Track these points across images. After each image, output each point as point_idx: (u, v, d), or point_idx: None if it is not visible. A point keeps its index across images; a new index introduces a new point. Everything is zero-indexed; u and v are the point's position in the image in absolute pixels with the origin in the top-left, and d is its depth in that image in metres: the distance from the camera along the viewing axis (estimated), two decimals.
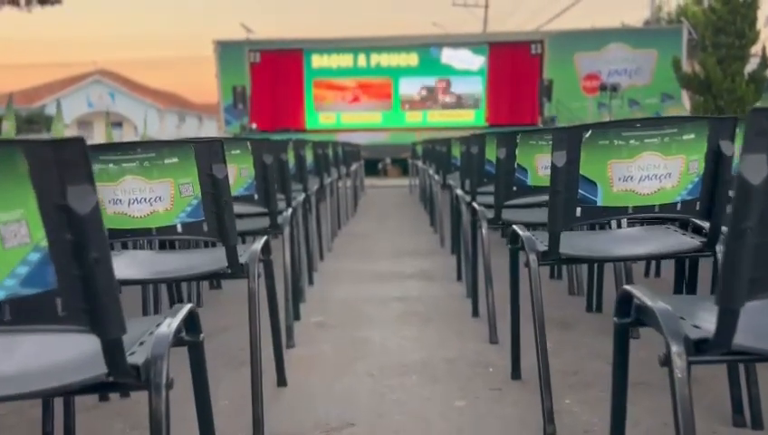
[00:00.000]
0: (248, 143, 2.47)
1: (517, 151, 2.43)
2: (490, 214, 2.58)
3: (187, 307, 1.25)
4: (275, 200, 2.54)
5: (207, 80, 19.46)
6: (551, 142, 2.40)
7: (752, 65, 17.09)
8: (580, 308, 2.94)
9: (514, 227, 1.95)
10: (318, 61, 19.39)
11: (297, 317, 2.93)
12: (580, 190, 1.70)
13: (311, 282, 3.66)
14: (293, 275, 2.90)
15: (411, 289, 3.50)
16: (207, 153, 1.73)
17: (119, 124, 38.79)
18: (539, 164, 2.43)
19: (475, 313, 2.91)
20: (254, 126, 19.00)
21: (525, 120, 18.85)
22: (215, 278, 3.05)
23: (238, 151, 2.45)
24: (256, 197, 2.51)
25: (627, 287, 1.23)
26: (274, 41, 19.73)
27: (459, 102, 19.48)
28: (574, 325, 2.72)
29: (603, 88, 15.04)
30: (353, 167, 7.93)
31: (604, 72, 18.23)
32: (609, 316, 2.30)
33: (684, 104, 14.43)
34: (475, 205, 2.70)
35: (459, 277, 3.64)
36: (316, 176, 4.77)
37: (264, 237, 2.00)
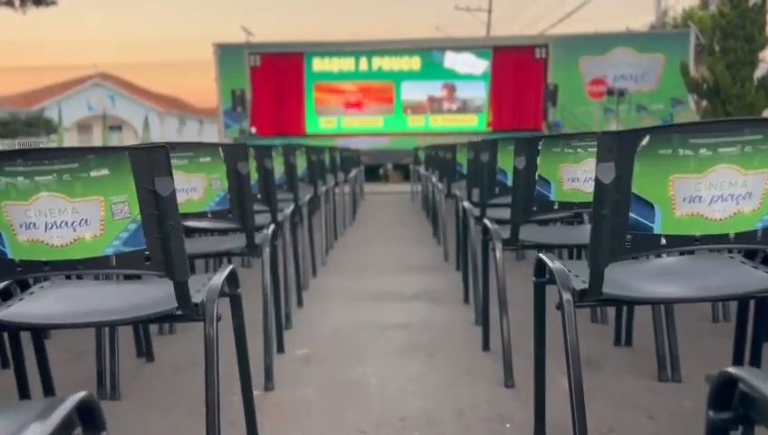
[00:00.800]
0: (220, 149, 2.09)
1: (539, 160, 2.05)
2: (505, 233, 2.19)
3: (229, 268, 1.64)
4: (252, 216, 2.16)
5: (209, 83, 19.14)
6: (579, 150, 2.06)
7: (761, 70, 16.75)
8: (606, 341, 2.55)
9: (541, 256, 1.60)
10: (319, 64, 19.06)
11: (281, 349, 2.54)
12: (631, 214, 1.33)
13: (300, 303, 3.27)
14: (276, 301, 2.52)
15: (413, 313, 3.11)
16: (147, 163, 1.35)
17: (118, 128, 38.55)
18: (564, 176, 2.04)
19: (486, 345, 2.52)
20: (253, 130, 18.69)
21: (528, 126, 18.51)
22: (162, 322, 2.59)
23: (209, 159, 2.08)
24: (231, 213, 2.14)
25: (731, 370, 0.87)
26: (275, 44, 19.41)
27: (462, 107, 19.14)
28: (602, 364, 2.32)
29: (610, 93, 14.66)
30: (352, 173, 7.56)
31: (609, 77, 17.89)
32: (641, 353, 2.28)
33: (692, 110, 14.02)
34: (486, 222, 2.32)
35: (466, 299, 3.25)
36: (310, 184, 4.40)
37: (230, 267, 1.66)
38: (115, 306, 1.54)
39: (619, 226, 1.33)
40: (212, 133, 37.25)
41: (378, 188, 12.86)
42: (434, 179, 5.54)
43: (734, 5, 16.71)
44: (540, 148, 2.04)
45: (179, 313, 1.42)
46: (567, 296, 1.40)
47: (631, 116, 15.42)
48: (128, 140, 37.07)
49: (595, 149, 1.35)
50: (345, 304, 3.33)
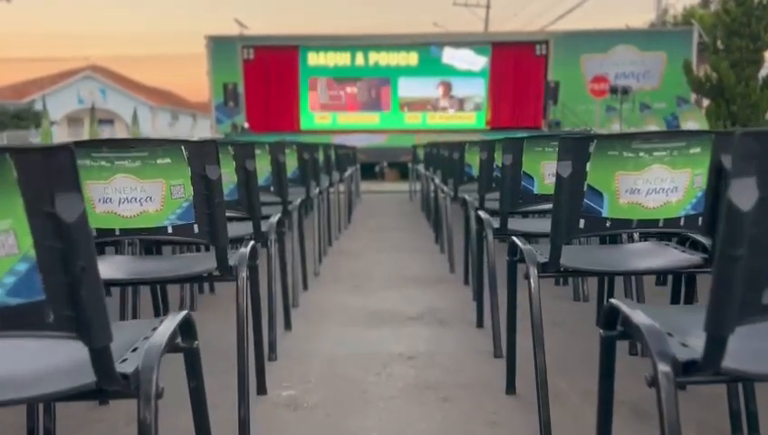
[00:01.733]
0: (183, 148, 1.64)
1: (589, 166, 1.60)
2: (542, 256, 1.75)
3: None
4: (224, 233, 1.70)
5: (203, 77, 18.64)
6: (642, 154, 1.63)
7: (766, 69, 16.39)
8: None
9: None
10: (314, 58, 18.59)
11: (262, 390, 2.10)
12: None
13: (287, 326, 2.82)
14: (256, 330, 2.07)
15: (419, 340, 2.66)
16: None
17: (110, 121, 37.95)
18: (621, 187, 1.60)
19: (511, 386, 2.08)
20: (246, 126, 18.21)
21: (528, 124, 18.13)
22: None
23: (168, 160, 1.62)
24: (197, 228, 1.69)
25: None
26: (269, 37, 18.92)
27: (460, 104, 18.71)
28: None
29: (614, 91, 14.24)
30: (348, 172, 7.10)
31: (611, 75, 17.51)
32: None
33: (699, 109, 13.63)
34: (517, 241, 1.87)
35: (480, 323, 2.81)
36: (302, 185, 3.95)
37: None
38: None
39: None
40: (205, 128, 36.72)
41: (374, 187, 12.41)
42: (437, 180, 5.09)
43: (740, 3, 16.33)
44: (591, 151, 1.59)
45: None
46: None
47: (635, 115, 15.02)
48: (119, 134, 36.44)
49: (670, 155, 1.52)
50: (340, 327, 2.88)
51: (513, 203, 2.38)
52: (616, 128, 15.64)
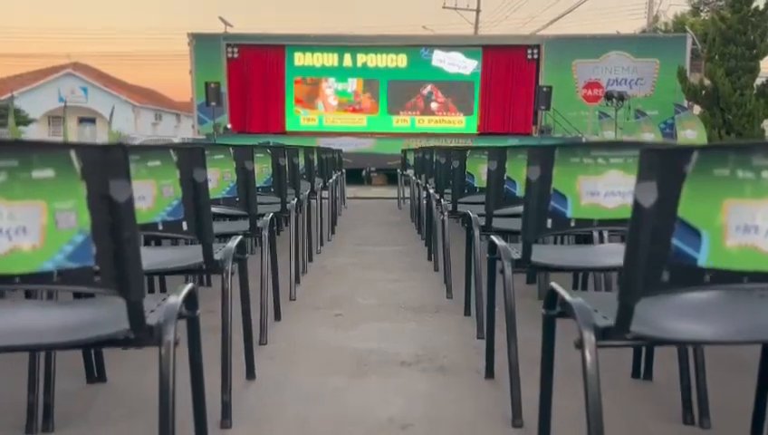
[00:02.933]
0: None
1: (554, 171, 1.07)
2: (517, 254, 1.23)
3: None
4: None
5: (187, 77, 17.94)
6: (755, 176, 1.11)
7: (762, 78, 16.09)
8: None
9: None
10: (300, 59, 18.04)
11: None
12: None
13: (250, 374, 2.27)
14: (196, 400, 1.52)
15: (415, 398, 2.11)
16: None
17: (91, 120, 37.12)
18: (730, 223, 1.08)
19: None
20: (228, 126, 17.60)
21: (518, 129, 17.72)
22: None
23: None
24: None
25: (553, 284, 1.41)
26: (254, 35, 18.33)
27: (449, 108, 18.24)
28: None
29: (609, 97, 13.82)
30: (333, 177, 6.55)
31: (603, 82, 17.17)
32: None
33: (697, 117, 13.23)
34: (558, 289, 1.34)
35: (490, 373, 2.28)
36: (276, 195, 3.40)
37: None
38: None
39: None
40: (189, 129, 36.03)
41: (360, 193, 11.85)
42: (431, 190, 4.56)
43: (736, 10, 16.04)
44: (687, 171, 1.06)
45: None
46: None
47: (630, 122, 14.62)
48: (101, 133, 35.62)
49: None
50: (315, 376, 2.32)
51: (539, 228, 1.86)
52: (609, 135, 15.24)
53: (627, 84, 17.42)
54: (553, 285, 1.45)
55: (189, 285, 1.42)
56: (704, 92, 16.15)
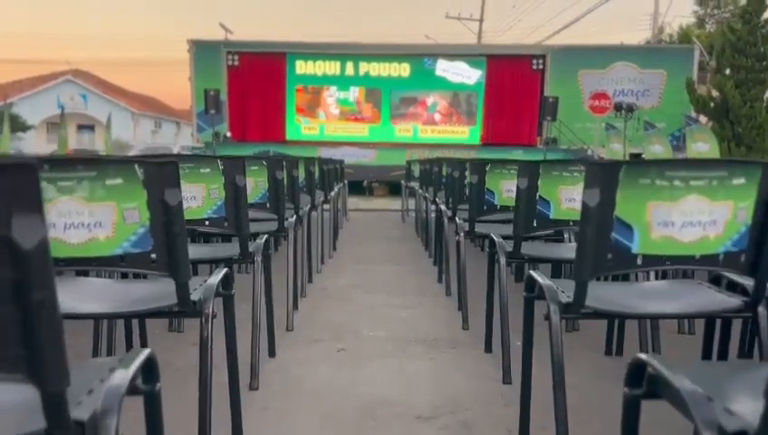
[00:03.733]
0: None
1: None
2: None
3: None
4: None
5: (188, 84, 17.61)
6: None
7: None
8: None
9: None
10: (302, 67, 17.73)
11: None
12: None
13: (237, 432, 1.88)
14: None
15: None
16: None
17: (90, 127, 36.83)
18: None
19: None
20: (228, 135, 17.26)
21: (523, 141, 17.38)
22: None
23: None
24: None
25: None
26: (255, 43, 18.00)
27: (453, 118, 17.91)
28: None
29: (619, 108, 13.47)
30: (334, 190, 6.18)
31: (610, 93, 16.84)
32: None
33: (709, 130, 12.87)
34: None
35: (525, 431, 1.89)
36: (273, 212, 3.02)
37: (224, 269, 1.77)
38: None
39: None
40: (189, 137, 35.74)
41: (362, 204, 11.48)
42: (441, 206, 4.18)
43: (746, 21, 15.74)
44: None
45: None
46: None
47: (639, 134, 14.28)
48: (99, 140, 35.28)
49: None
50: (315, 433, 1.94)
51: (596, 266, 1.48)
52: (617, 147, 14.90)
53: (633, 95, 17.12)
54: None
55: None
56: (712, 104, 15.83)
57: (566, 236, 2.85)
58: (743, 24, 15.81)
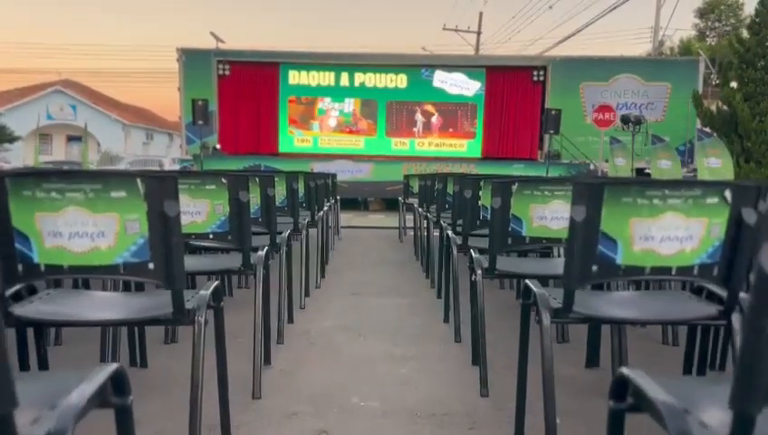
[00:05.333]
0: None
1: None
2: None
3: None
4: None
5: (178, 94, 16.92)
6: None
7: None
8: None
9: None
10: (295, 77, 17.10)
11: None
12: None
13: None
14: None
15: None
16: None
17: (79, 138, 36.12)
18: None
19: None
20: (218, 147, 16.58)
21: (523, 155, 16.77)
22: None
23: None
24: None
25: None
26: (247, 52, 17.38)
27: (451, 131, 17.28)
28: None
29: (626, 120, 12.84)
30: (324, 208, 5.47)
31: (613, 106, 16.25)
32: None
33: (723, 144, 12.24)
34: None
35: None
36: (236, 244, 2.32)
37: (215, 282, 1.87)
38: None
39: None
40: (179, 149, 35.02)
41: (356, 220, 10.77)
42: (449, 233, 3.48)
43: (755, 32, 15.21)
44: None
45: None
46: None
47: (647, 148, 13.66)
48: (90, 152, 34.57)
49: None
50: None
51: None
52: (621, 162, 14.28)
53: (637, 109, 16.56)
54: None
55: (216, 282, 1.80)
56: (720, 119, 15.25)
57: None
58: (751, 35, 15.28)
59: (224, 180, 2.17)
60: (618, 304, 1.95)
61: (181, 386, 2.26)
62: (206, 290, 1.77)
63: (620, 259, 1.63)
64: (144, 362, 2.67)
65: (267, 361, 2.68)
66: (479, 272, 2.44)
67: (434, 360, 2.87)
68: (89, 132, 34.66)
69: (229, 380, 1.99)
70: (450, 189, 4.32)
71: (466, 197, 3.23)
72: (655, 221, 1.59)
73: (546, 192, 2.33)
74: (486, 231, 3.04)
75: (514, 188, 2.36)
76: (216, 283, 1.83)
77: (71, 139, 36.05)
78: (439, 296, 4.15)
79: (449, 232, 3.43)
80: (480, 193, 3.18)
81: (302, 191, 4.42)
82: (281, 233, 3.17)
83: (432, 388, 2.50)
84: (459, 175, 4.42)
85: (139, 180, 1.52)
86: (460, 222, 3.49)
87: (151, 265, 1.57)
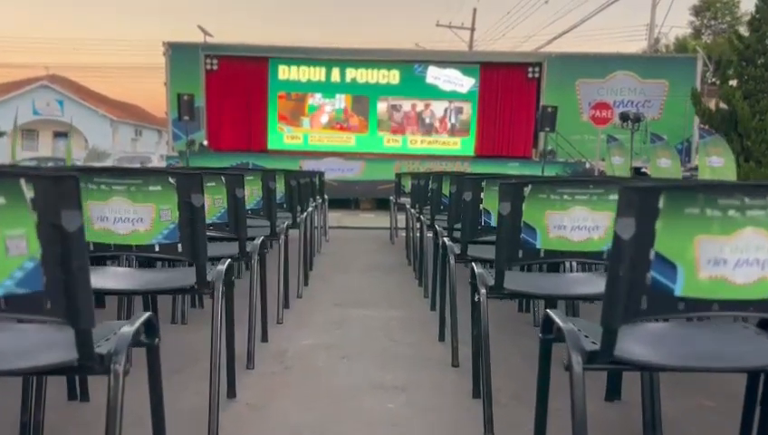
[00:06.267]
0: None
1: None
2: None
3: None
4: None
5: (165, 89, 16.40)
6: None
7: None
8: None
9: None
10: (285, 72, 16.63)
11: None
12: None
13: None
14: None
15: None
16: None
17: (65, 135, 35.48)
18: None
19: None
20: (204, 143, 16.11)
21: (518, 153, 16.39)
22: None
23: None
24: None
25: (548, 311, 1.48)
26: (235, 46, 16.90)
27: (444, 128, 16.88)
28: None
29: (625, 118, 12.47)
30: (309, 208, 5.05)
31: (610, 103, 15.90)
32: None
33: (725, 142, 11.88)
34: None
35: None
36: (189, 259, 1.90)
37: (228, 260, 2.07)
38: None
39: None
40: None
41: (346, 220, 10.35)
42: (445, 240, 3.05)
43: (755, 28, 14.89)
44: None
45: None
46: (483, 290, 1.98)
47: (646, 146, 13.31)
48: (77, 148, 33.93)
49: None
50: None
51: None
52: (618, 161, 13.93)
53: (633, 106, 16.21)
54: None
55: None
56: (719, 117, 14.93)
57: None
58: (751, 32, 14.96)
59: (171, 180, 1.81)
60: (667, 344, 1.52)
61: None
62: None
63: (680, 290, 1.24)
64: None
65: (231, 393, 2.26)
66: (483, 291, 2.03)
67: (428, 391, 2.45)
68: (76, 128, 34.09)
69: (181, 418, 1.58)
70: (446, 190, 3.91)
71: (466, 199, 2.81)
72: (729, 239, 1.19)
73: (566, 196, 1.94)
74: (487, 238, 2.66)
75: (527, 190, 1.96)
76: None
77: (57, 135, 35.40)
78: (433, 308, 3.74)
79: (446, 239, 3.01)
80: (482, 195, 2.78)
81: (283, 191, 4.00)
82: (253, 239, 2.75)
83: (426, 429, 2.09)
84: (457, 174, 4.01)
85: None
86: (458, 226, 3.08)
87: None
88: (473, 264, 2.18)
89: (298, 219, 4.00)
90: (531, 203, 1.95)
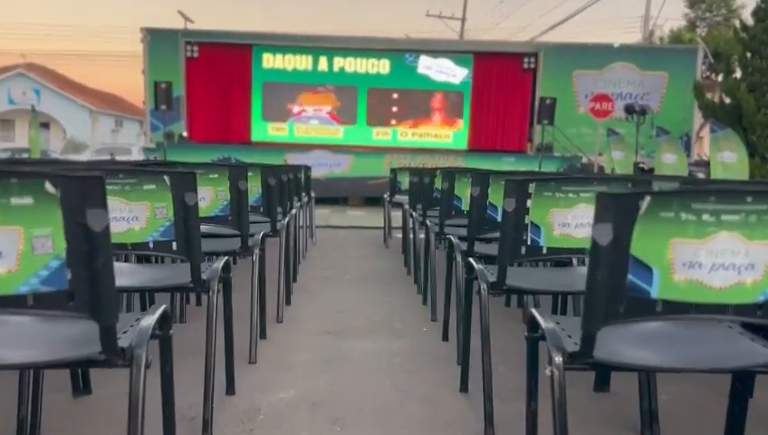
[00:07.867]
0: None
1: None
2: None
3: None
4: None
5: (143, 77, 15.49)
6: None
7: None
8: None
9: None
10: (270, 61, 15.78)
11: None
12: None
13: None
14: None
15: None
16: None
17: (45, 125, 34.30)
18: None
19: None
20: (184, 135, 15.25)
21: (512, 147, 15.71)
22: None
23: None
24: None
25: (532, 310, 1.50)
26: (217, 33, 16.01)
27: (436, 121, 16.15)
28: None
29: (630, 110, 11.79)
30: (292, 211, 4.28)
31: (610, 95, 15.25)
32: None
33: (738, 137, 11.24)
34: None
35: None
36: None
37: (225, 257, 2.09)
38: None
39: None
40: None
41: (334, 218, 9.58)
42: (452, 238, 2.31)
43: (760, 18, 14.29)
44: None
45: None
46: (483, 286, 1.88)
47: (651, 141, 12.66)
48: (55, 139, 32.78)
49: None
50: None
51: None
52: (618, 155, 13.29)
53: (631, 99, 15.57)
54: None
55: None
56: (723, 111, 14.33)
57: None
58: (756, 22, 14.35)
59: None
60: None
61: None
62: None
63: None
64: None
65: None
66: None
67: (443, 418, 1.72)
68: (53, 118, 32.88)
69: None
70: (460, 191, 3.18)
71: (473, 195, 2.13)
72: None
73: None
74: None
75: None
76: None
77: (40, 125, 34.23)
78: (445, 338, 3.00)
79: (452, 238, 2.28)
80: (489, 191, 2.13)
81: (258, 193, 3.24)
82: (210, 258, 2.00)
83: None
84: (464, 170, 3.30)
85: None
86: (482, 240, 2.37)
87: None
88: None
89: (278, 225, 3.24)
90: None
